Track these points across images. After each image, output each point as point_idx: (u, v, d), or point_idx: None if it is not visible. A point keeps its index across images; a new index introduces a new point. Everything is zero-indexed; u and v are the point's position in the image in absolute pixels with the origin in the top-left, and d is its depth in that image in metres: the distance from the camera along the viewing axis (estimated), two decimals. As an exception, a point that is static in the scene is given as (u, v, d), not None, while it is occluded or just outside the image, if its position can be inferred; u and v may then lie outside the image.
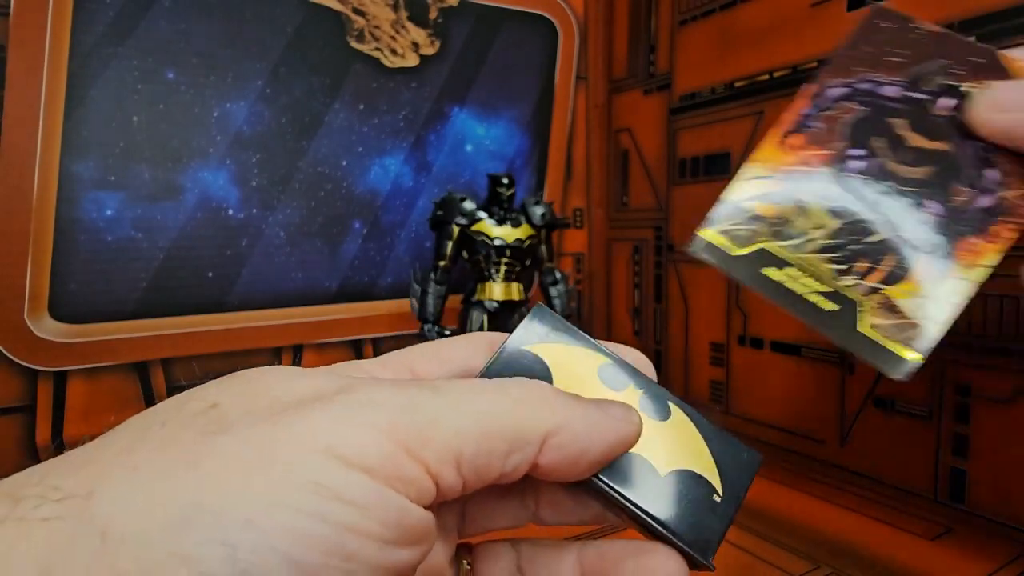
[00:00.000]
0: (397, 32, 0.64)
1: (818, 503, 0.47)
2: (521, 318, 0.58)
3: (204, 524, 0.13)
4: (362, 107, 0.63)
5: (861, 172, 0.22)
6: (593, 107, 0.78)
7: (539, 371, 0.20)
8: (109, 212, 0.53)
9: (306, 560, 0.13)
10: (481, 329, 0.57)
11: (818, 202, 0.22)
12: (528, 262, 0.60)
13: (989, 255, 0.21)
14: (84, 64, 0.51)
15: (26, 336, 0.50)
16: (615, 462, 0.19)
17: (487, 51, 0.69)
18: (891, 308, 0.21)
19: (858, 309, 0.21)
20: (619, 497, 0.19)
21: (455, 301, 0.60)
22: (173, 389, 0.55)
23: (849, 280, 0.21)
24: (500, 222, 0.58)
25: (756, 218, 0.22)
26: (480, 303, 0.58)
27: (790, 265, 0.21)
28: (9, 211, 0.49)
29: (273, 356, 0.61)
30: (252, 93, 0.58)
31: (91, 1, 0.51)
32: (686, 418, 0.20)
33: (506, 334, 0.21)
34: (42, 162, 0.50)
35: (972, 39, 0.23)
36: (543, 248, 0.61)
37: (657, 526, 0.19)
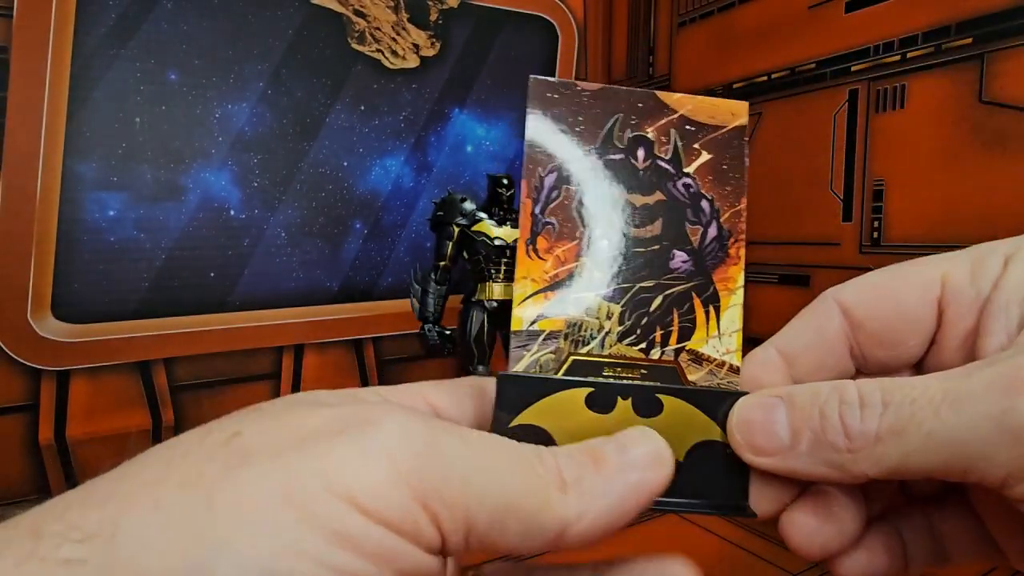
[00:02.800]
0: (398, 34, 0.64)
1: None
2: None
3: (223, 571, 0.13)
4: (363, 108, 0.63)
5: (611, 249, 0.22)
6: (593, 108, 0.78)
7: (543, 440, 0.20)
8: (112, 212, 0.53)
9: None
10: (481, 328, 0.58)
11: (594, 294, 0.22)
12: (528, 262, 0.60)
13: (739, 276, 0.22)
14: (87, 65, 0.51)
15: (29, 336, 0.50)
16: None
17: (487, 53, 0.69)
18: (698, 359, 0.22)
19: (678, 373, 0.22)
20: (653, 505, 0.19)
21: (455, 301, 0.60)
22: (175, 388, 0.55)
23: (656, 353, 0.22)
24: (500, 223, 0.58)
25: (550, 337, 0.22)
26: (480, 303, 0.58)
27: (606, 364, 0.22)
28: (12, 212, 0.49)
29: (275, 356, 0.61)
30: (253, 94, 0.58)
31: (94, 3, 0.51)
32: (675, 400, 0.21)
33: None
34: (45, 163, 0.50)
35: (627, 88, 0.23)
36: (543, 248, 0.61)
37: (694, 510, 0.20)
